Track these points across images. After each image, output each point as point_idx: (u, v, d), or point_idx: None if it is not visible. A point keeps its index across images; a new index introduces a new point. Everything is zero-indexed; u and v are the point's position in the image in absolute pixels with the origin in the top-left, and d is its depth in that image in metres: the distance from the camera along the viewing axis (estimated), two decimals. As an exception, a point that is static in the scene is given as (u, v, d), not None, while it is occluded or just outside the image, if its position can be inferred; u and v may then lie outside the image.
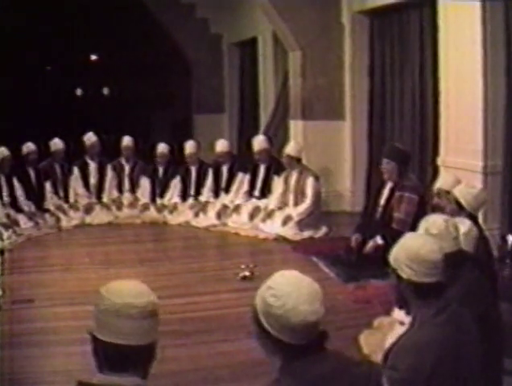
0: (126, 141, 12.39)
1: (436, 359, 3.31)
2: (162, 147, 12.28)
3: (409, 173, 8.93)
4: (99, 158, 12.30)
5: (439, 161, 9.36)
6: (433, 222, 4.36)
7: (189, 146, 12.11)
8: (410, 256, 3.56)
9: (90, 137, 12.26)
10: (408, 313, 3.86)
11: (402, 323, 5.24)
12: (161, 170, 12.25)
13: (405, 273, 3.57)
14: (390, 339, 4.30)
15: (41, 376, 5.73)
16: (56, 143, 12.09)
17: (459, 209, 6.02)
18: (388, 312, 6.32)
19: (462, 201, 6.03)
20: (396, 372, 3.33)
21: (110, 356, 2.78)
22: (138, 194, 12.22)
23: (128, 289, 2.84)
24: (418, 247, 3.57)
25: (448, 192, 6.75)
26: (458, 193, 6.16)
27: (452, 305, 3.55)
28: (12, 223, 10.60)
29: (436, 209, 6.81)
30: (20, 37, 17.29)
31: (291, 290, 2.86)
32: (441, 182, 7.06)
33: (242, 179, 11.61)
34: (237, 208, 11.27)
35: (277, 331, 2.85)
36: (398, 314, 5.74)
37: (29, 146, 11.62)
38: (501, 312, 4.83)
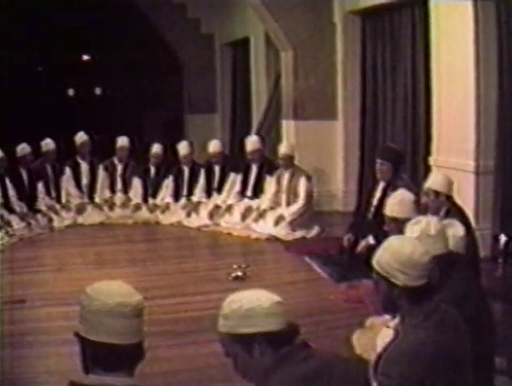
0: (122, 141, 12.38)
1: (428, 363, 3.29)
2: (156, 147, 12.27)
3: (402, 173, 8.95)
4: (90, 158, 12.30)
5: (431, 160, 9.37)
6: (427, 223, 4.33)
7: (183, 147, 12.11)
8: (403, 262, 3.47)
9: (81, 137, 12.27)
10: (394, 317, 3.83)
11: (387, 326, 5.26)
12: (153, 170, 12.24)
13: (399, 280, 3.47)
14: (379, 340, 4.29)
15: (33, 377, 5.73)
16: (48, 143, 12.07)
17: (435, 197, 6.22)
18: (380, 312, 6.31)
19: (438, 188, 6.26)
20: (389, 379, 3.31)
21: (102, 356, 2.78)
22: (131, 194, 12.21)
23: (117, 289, 2.87)
24: (410, 252, 3.49)
25: (437, 193, 6.79)
26: (430, 184, 6.63)
27: (441, 308, 3.53)
28: (4, 224, 10.59)
29: (426, 209, 6.84)
30: (11, 37, 17.25)
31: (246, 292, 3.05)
32: (430, 182, 7.07)
33: (234, 179, 11.61)
34: (229, 208, 11.27)
35: (261, 325, 2.92)
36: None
37: (24, 148, 11.60)
38: (492, 311, 4.84)
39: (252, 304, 2.94)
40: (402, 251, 3.49)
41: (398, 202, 6.39)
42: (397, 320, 3.72)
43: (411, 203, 6.40)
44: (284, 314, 2.97)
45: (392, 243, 3.60)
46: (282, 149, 10.93)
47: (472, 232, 6.02)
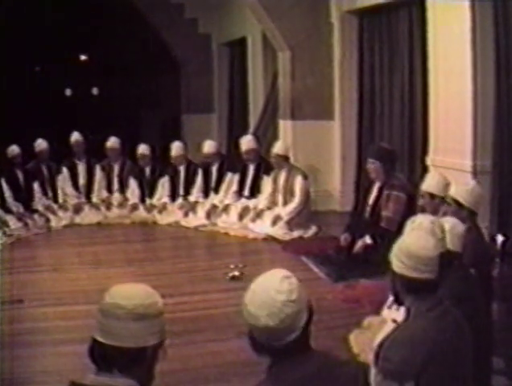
0: (111, 142, 12.37)
1: (428, 352, 3.34)
2: (142, 148, 12.25)
3: (396, 172, 8.96)
4: (87, 158, 12.29)
5: (429, 160, 9.37)
6: (419, 223, 4.33)
7: (175, 148, 12.05)
8: (402, 251, 3.59)
9: (74, 136, 12.27)
10: (401, 305, 3.86)
11: (394, 321, 5.25)
12: (147, 171, 12.24)
13: (396, 267, 3.60)
14: (379, 339, 4.30)
15: (31, 376, 5.72)
16: (40, 144, 12.06)
17: (459, 208, 5.97)
18: (377, 311, 6.33)
19: (460, 199, 5.99)
20: (389, 364, 3.37)
21: (100, 356, 2.78)
22: (128, 194, 12.20)
23: (124, 291, 2.84)
24: (410, 242, 3.61)
25: (432, 195, 6.82)
26: (454, 192, 6.14)
27: (444, 303, 3.57)
28: (1, 224, 10.58)
29: (424, 211, 6.84)
30: (9, 37, 17.24)
31: (251, 291, 2.92)
32: (427, 185, 7.08)
33: (231, 179, 11.60)
34: (226, 208, 11.27)
35: (255, 332, 2.91)
36: (388, 313, 5.75)
37: (14, 150, 11.56)
38: (490, 311, 4.84)
39: (244, 310, 2.92)
40: (405, 241, 3.67)
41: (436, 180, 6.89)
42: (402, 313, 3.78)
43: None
44: None
45: (406, 233, 3.97)
46: (274, 149, 10.94)
47: (481, 231, 6.00)
